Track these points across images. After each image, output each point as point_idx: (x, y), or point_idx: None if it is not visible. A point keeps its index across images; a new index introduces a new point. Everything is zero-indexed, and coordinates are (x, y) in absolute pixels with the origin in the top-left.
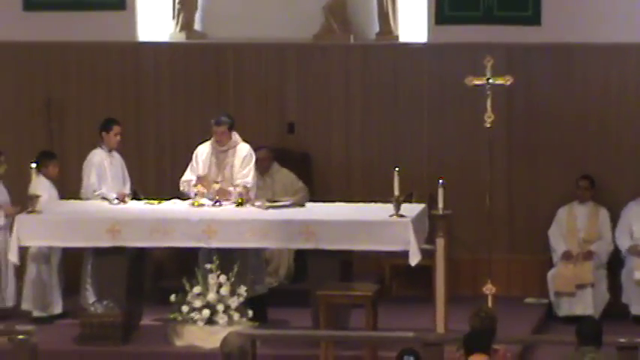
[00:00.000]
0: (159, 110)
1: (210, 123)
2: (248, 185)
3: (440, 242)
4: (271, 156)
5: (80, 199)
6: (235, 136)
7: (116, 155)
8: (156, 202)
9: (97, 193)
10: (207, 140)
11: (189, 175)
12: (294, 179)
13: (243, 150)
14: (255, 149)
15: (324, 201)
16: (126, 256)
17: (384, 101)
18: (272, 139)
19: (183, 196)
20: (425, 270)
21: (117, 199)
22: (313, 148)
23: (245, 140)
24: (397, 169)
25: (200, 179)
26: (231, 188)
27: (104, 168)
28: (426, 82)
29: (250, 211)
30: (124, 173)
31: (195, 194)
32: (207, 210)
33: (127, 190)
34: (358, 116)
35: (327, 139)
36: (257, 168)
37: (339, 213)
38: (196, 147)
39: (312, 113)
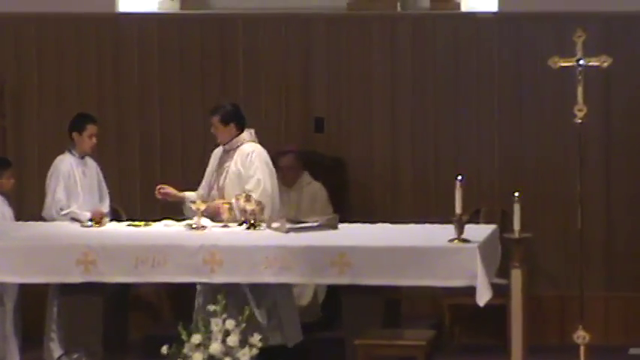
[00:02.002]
0: (145, 103)
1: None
2: (252, 195)
3: (516, 275)
4: (300, 164)
5: (43, 219)
6: (247, 133)
7: (90, 162)
8: (142, 224)
9: (64, 213)
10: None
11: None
12: (325, 201)
13: (246, 151)
14: (279, 154)
15: (362, 221)
16: (103, 296)
17: (441, 89)
18: (294, 140)
19: (178, 216)
20: (497, 311)
21: (91, 220)
22: (348, 152)
23: (262, 144)
24: (460, 178)
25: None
26: (219, 201)
27: (74, 179)
28: (497, 65)
29: (266, 236)
30: (101, 186)
31: (198, 211)
32: (210, 234)
33: (105, 207)
34: (407, 109)
35: (366, 140)
36: (280, 178)
37: (383, 237)
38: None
39: (346, 105)
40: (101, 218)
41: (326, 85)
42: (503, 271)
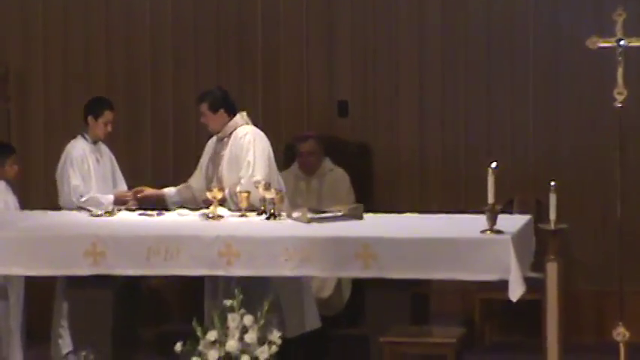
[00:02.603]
0: (157, 80)
1: None
2: (243, 181)
3: (552, 268)
4: (321, 149)
5: (59, 209)
6: (239, 116)
7: (104, 149)
8: (154, 212)
9: (85, 199)
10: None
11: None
12: (348, 188)
13: (238, 135)
14: (298, 139)
15: (389, 211)
16: (112, 289)
17: (472, 71)
18: (315, 125)
19: (192, 205)
20: (531, 307)
21: (115, 202)
22: (374, 137)
23: (258, 126)
24: (493, 165)
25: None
26: (208, 194)
27: (88, 166)
28: (531, 44)
29: (286, 226)
30: (116, 174)
31: (215, 200)
32: (227, 224)
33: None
34: (436, 92)
35: (392, 124)
36: (300, 166)
37: (410, 228)
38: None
39: (372, 87)
40: (126, 202)
41: (350, 65)
42: (538, 265)
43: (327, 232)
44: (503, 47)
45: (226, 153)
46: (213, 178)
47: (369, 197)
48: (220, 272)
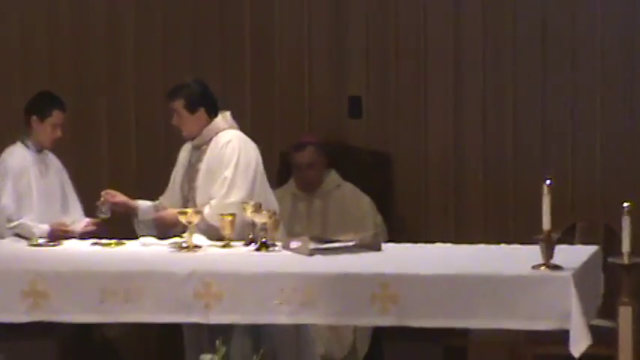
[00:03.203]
0: (117, 75)
1: None
2: (214, 203)
3: (626, 314)
4: (323, 159)
5: None
6: (221, 118)
7: (51, 159)
8: (112, 243)
9: (12, 225)
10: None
11: (167, 193)
12: (367, 206)
13: (219, 141)
14: (294, 149)
15: (414, 240)
16: (57, 340)
17: (522, 63)
18: (319, 129)
19: (161, 234)
20: None
21: (49, 236)
22: (395, 144)
23: (248, 135)
24: (548, 182)
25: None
26: (173, 210)
27: (28, 181)
28: (599, 33)
29: (282, 260)
30: (66, 191)
31: (189, 225)
32: (205, 257)
33: (74, 219)
34: (475, 88)
35: (419, 128)
36: (298, 182)
37: (442, 262)
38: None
39: (393, 80)
40: (63, 232)
41: (365, 51)
42: (608, 310)
43: (335, 268)
44: (561, 35)
45: (203, 165)
46: (189, 197)
47: (389, 222)
48: (196, 319)
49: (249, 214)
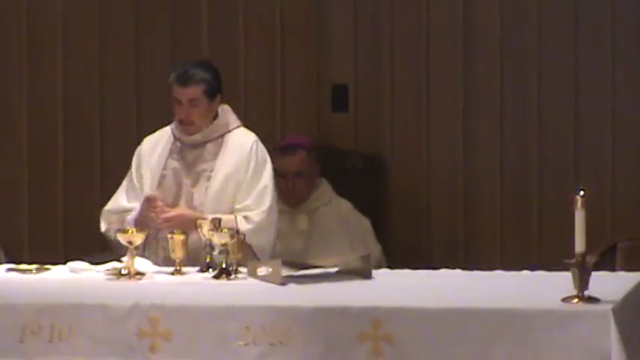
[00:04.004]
0: (42, 66)
1: (169, 82)
2: (257, 219)
3: None
4: (315, 168)
5: None
6: (226, 112)
7: None
8: (32, 268)
9: None
10: (159, 129)
11: (119, 202)
12: (365, 227)
13: (243, 142)
14: (279, 151)
15: (415, 266)
16: None
17: (547, 49)
18: (295, 125)
19: (93, 258)
20: None
21: None
22: (389, 145)
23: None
24: (582, 193)
25: (149, 203)
26: (195, 213)
27: None
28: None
29: (248, 290)
30: None
31: (130, 246)
32: (151, 287)
33: None
34: (488, 78)
35: (421, 125)
36: (283, 192)
37: (448, 294)
38: (139, 143)
39: (387, 66)
40: None
41: (351, 30)
42: None
43: (313, 300)
44: (588, 15)
45: (218, 169)
46: (178, 203)
47: (384, 242)
48: None
49: (205, 232)
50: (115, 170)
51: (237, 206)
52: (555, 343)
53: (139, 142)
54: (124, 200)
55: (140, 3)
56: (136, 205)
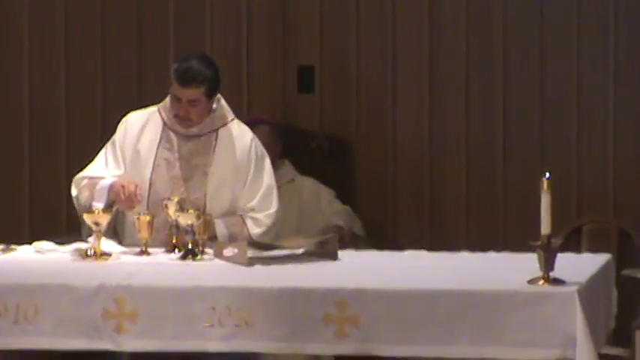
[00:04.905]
0: (7, 54)
1: (171, 73)
2: (268, 222)
3: None
4: (278, 144)
5: None
6: (222, 104)
7: None
8: None
9: None
10: (147, 106)
11: (95, 170)
12: (325, 194)
13: (240, 139)
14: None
15: (380, 247)
16: None
17: (520, 26)
18: (259, 106)
19: (57, 238)
20: None
21: None
22: (356, 126)
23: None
24: (548, 175)
25: (124, 193)
26: (218, 220)
27: None
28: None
29: (213, 271)
30: None
31: (96, 227)
32: (117, 267)
33: None
34: (459, 59)
35: (387, 105)
36: None
37: (414, 274)
38: (103, 128)
39: (353, 46)
40: None
41: (317, 10)
42: (622, 334)
43: (279, 281)
44: (567, 9)
45: (219, 161)
46: (170, 196)
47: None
48: (104, 345)
49: (171, 212)
50: (80, 151)
51: (242, 207)
52: (521, 324)
53: (103, 123)
54: (101, 168)
55: None
56: (107, 173)
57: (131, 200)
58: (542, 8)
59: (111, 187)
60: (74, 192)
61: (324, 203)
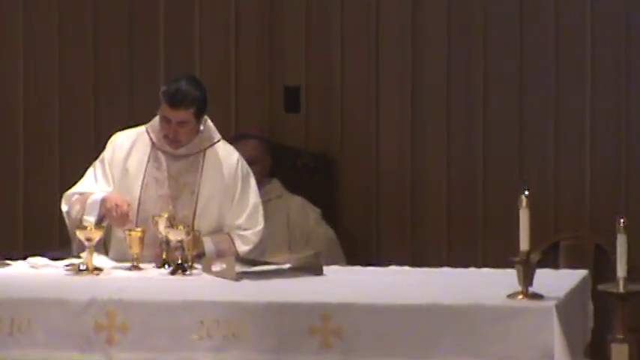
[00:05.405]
0: (2, 67)
1: (160, 95)
2: (255, 239)
3: (620, 353)
4: (267, 159)
5: None
6: (208, 125)
7: None
8: None
9: None
10: (134, 127)
11: (84, 186)
12: (313, 214)
13: (227, 159)
14: (231, 139)
15: (363, 263)
16: None
17: (500, 45)
18: (246, 126)
19: (53, 254)
20: None
21: None
22: (341, 145)
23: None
24: (527, 193)
25: (116, 211)
26: (206, 238)
27: None
28: (589, 12)
29: (202, 285)
30: None
31: (88, 243)
32: (108, 281)
33: None
34: (440, 79)
35: (371, 125)
36: None
37: (396, 289)
38: (97, 141)
39: (338, 67)
40: None
41: (303, 33)
42: (599, 348)
43: (266, 295)
44: (546, 22)
45: (207, 180)
46: (161, 211)
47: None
48: (97, 356)
49: (161, 229)
50: (74, 167)
51: (229, 224)
52: (500, 337)
53: (96, 139)
54: (92, 185)
55: (97, 2)
56: (101, 190)
57: (123, 219)
58: (521, 21)
59: (103, 201)
60: (65, 207)
61: (311, 222)
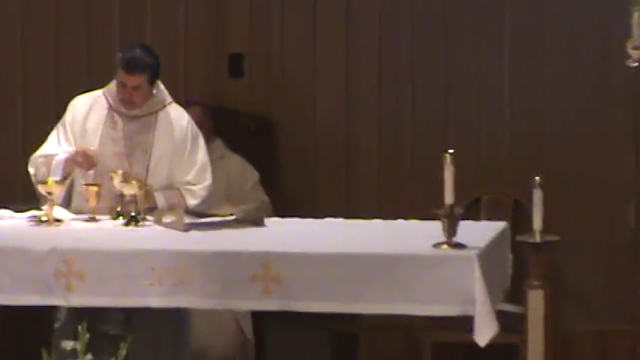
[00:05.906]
0: None
1: (117, 61)
2: (203, 194)
3: (536, 298)
4: (209, 123)
5: None
6: (161, 89)
7: None
8: None
9: None
10: (91, 91)
11: (48, 149)
12: (253, 183)
13: (178, 121)
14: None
15: (301, 215)
16: None
17: (425, 13)
18: (192, 90)
19: (16, 206)
20: (506, 354)
21: None
22: (281, 108)
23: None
24: (450, 152)
25: (82, 156)
26: (158, 193)
27: None
28: None
29: (153, 236)
30: None
31: (49, 196)
32: (67, 232)
33: None
34: (372, 45)
35: (308, 90)
36: None
37: (331, 239)
38: (58, 101)
39: (278, 35)
40: None
41: (247, 6)
42: (516, 294)
43: (212, 245)
44: None
45: (159, 139)
46: (117, 168)
47: (274, 195)
48: (55, 300)
49: (116, 184)
50: (36, 128)
51: (179, 180)
52: (426, 283)
53: (57, 99)
54: (55, 147)
55: None
56: (64, 151)
57: (89, 162)
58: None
59: (66, 160)
60: (32, 170)
61: (249, 186)
